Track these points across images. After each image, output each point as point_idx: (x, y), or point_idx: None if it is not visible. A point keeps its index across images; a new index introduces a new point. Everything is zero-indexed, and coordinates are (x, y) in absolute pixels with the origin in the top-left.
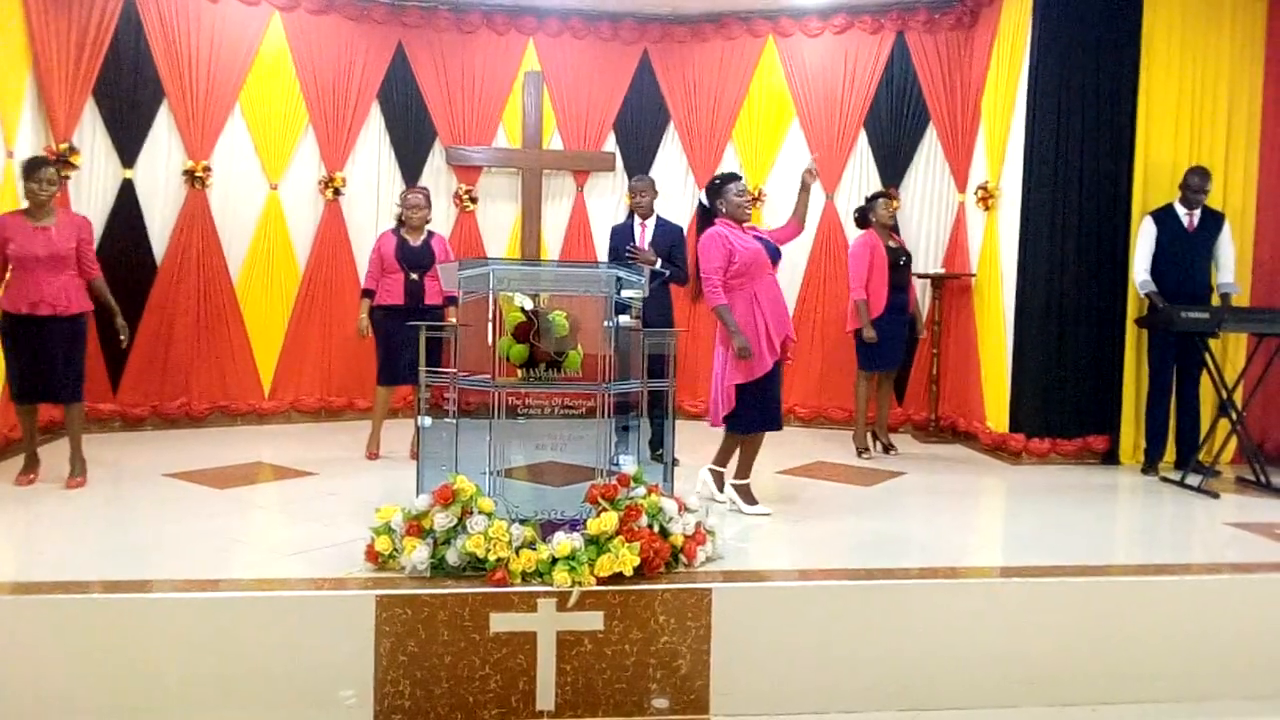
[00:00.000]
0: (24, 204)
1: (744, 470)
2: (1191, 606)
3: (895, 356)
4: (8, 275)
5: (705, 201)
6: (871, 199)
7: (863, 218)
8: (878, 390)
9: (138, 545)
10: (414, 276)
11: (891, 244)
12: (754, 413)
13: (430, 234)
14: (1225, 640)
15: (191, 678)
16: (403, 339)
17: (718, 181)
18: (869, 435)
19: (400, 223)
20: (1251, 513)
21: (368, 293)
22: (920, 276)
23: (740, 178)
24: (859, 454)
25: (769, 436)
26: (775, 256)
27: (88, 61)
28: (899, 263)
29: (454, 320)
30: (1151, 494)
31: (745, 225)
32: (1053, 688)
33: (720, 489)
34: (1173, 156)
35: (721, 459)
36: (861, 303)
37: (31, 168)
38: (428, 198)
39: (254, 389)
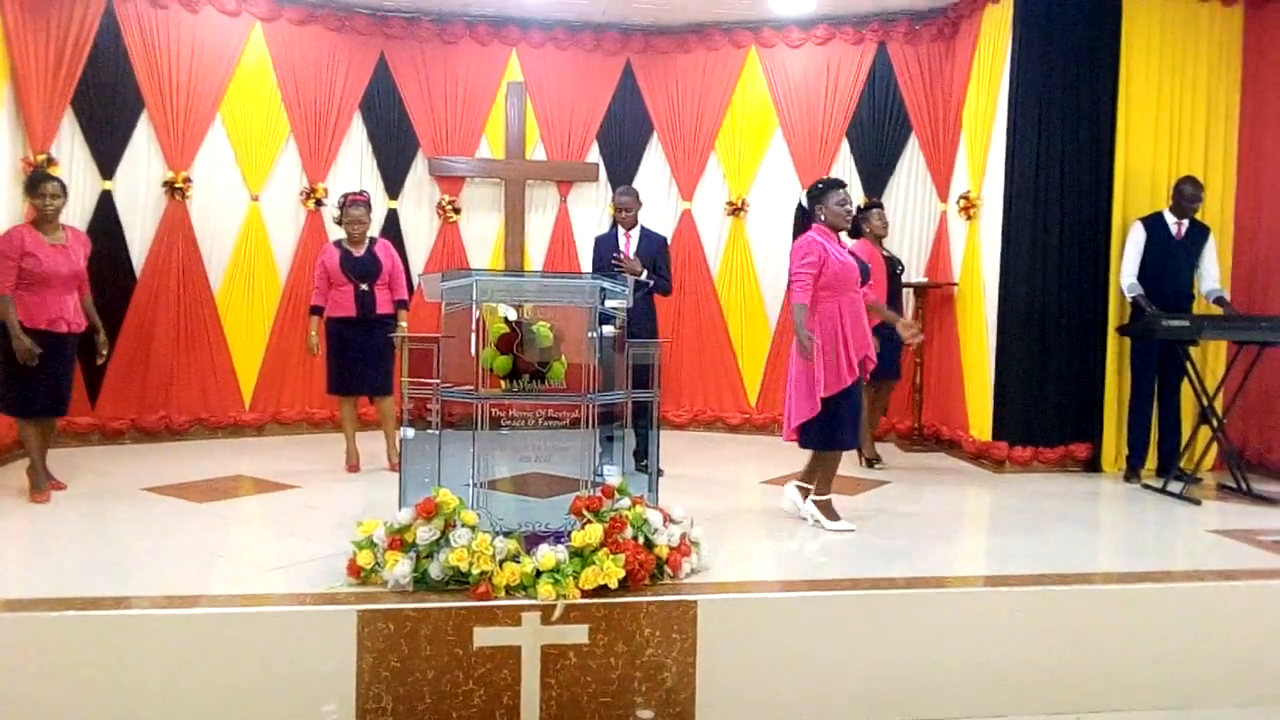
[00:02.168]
0: None
1: (823, 486)
2: (1175, 613)
3: (890, 366)
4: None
5: (804, 204)
6: (865, 209)
7: (855, 228)
8: (874, 401)
9: (116, 561)
10: (364, 287)
11: (886, 254)
12: (827, 429)
13: (372, 240)
14: (1209, 647)
15: (171, 695)
16: (357, 350)
17: (821, 187)
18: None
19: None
20: (1233, 519)
21: (316, 309)
22: (903, 285)
23: (843, 185)
24: (870, 464)
25: (760, 447)
26: (865, 276)
27: (66, 72)
28: (895, 272)
29: (405, 324)
30: (1134, 501)
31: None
32: (1038, 696)
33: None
34: (1152, 166)
35: (808, 476)
36: None
37: (34, 182)
38: (368, 205)
39: (235, 402)
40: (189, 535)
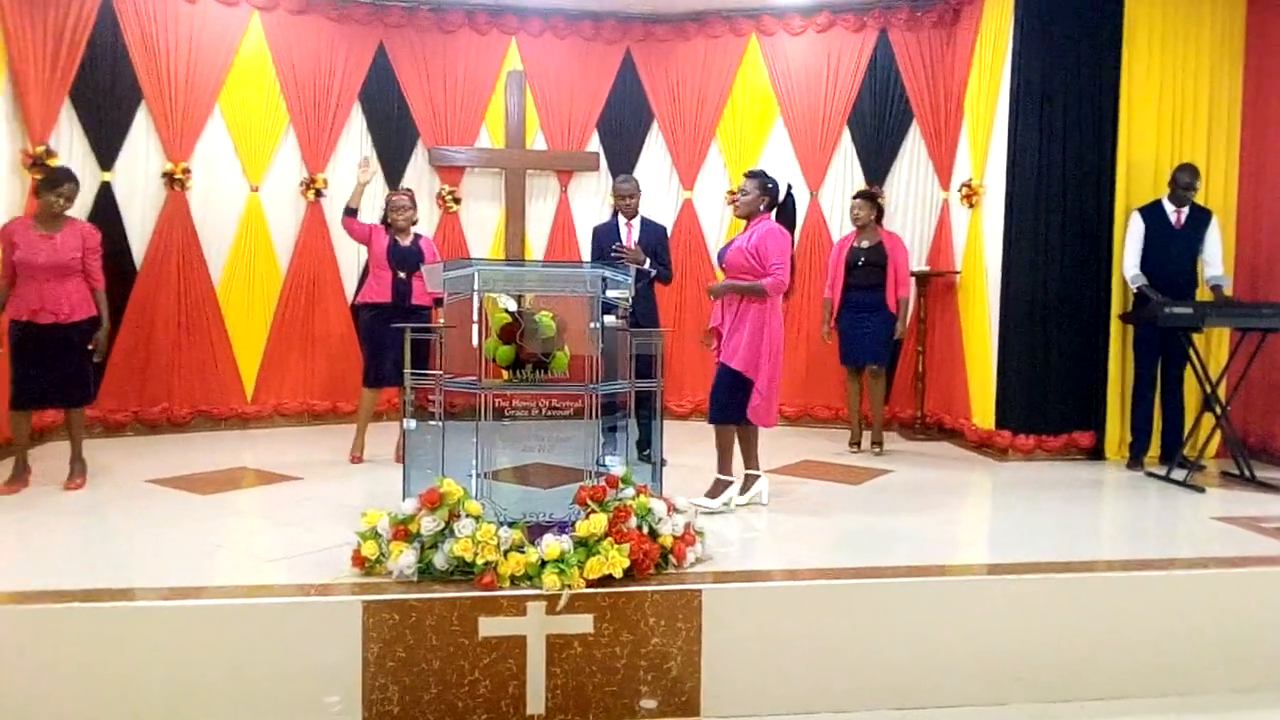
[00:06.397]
0: None
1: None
2: (1178, 601)
3: (859, 354)
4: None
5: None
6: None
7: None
8: (863, 388)
9: (119, 553)
10: (402, 275)
11: (863, 243)
12: None
13: (417, 236)
14: (1212, 634)
15: (175, 687)
16: (390, 340)
17: None
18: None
19: (387, 225)
20: (1236, 507)
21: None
22: (874, 276)
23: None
24: (854, 447)
25: (762, 437)
26: (720, 261)
27: (64, 63)
28: (856, 263)
29: (442, 321)
30: (1137, 489)
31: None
32: (1041, 684)
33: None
34: (1154, 153)
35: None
36: (825, 301)
37: (54, 182)
38: (412, 198)
39: (236, 393)
40: (192, 527)
